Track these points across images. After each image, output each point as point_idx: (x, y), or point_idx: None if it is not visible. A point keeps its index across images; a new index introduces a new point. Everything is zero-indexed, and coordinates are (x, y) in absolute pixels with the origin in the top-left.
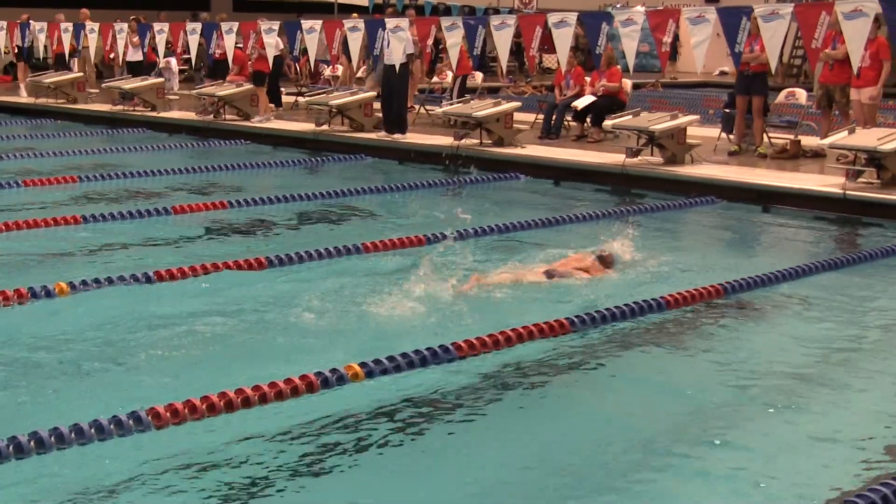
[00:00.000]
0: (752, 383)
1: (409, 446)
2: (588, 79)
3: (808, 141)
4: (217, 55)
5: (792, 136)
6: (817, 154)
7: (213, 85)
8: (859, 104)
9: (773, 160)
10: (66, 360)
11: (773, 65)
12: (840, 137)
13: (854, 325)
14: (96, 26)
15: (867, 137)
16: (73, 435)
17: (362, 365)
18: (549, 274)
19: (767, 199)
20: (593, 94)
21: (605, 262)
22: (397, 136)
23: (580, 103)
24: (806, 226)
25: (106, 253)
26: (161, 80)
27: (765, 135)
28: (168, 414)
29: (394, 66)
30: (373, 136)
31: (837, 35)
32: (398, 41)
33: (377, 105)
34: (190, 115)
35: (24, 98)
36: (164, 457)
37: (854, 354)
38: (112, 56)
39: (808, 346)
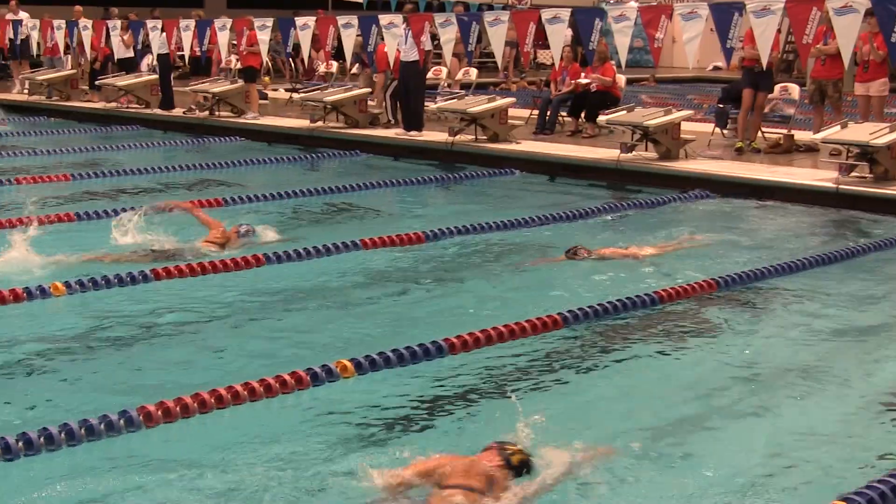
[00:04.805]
0: (752, 375)
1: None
2: (583, 75)
3: (802, 135)
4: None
5: (785, 131)
6: (810, 148)
7: (207, 81)
8: (865, 98)
9: (766, 155)
10: (63, 358)
11: (765, 61)
12: (832, 132)
13: (850, 319)
14: (89, 23)
15: (859, 132)
16: (62, 436)
17: (349, 363)
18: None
19: (761, 193)
20: (587, 87)
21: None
22: (413, 133)
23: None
24: (799, 220)
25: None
26: (155, 76)
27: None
28: (160, 412)
29: (412, 62)
30: (367, 132)
31: (829, 30)
32: (392, 38)
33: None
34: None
35: (17, 95)
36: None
37: (846, 347)
38: (95, 56)
39: (803, 340)
